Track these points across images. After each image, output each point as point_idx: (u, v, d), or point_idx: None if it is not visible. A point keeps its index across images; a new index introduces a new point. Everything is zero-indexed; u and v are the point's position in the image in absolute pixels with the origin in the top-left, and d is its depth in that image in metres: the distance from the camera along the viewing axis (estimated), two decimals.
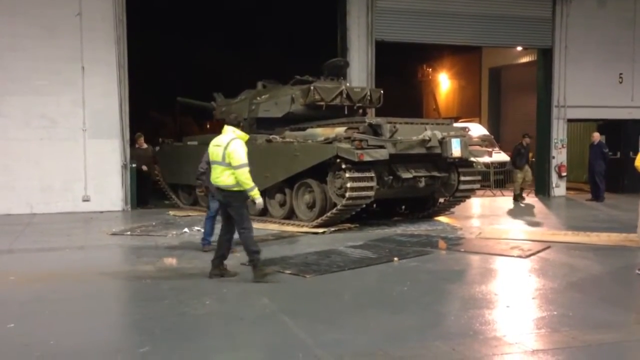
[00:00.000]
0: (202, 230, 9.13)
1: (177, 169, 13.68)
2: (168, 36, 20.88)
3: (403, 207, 12.69)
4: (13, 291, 6.75)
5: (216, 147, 7.01)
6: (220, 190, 7.02)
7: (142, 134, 14.99)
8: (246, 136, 7.16)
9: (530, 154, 16.53)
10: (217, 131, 17.84)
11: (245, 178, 6.81)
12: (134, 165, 14.02)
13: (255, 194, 6.92)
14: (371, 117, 11.60)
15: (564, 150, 16.98)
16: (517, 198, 15.41)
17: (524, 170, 15.40)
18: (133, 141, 14.49)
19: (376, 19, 15.09)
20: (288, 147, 11.04)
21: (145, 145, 14.93)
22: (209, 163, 8.18)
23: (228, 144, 6.86)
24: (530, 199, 16.12)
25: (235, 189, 6.88)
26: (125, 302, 6.71)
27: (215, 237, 8.26)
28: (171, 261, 8.17)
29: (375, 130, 10.37)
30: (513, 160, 15.85)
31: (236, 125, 7.18)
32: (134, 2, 14.03)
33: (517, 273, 7.51)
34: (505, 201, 15.59)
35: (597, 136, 15.95)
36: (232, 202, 6.96)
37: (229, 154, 6.81)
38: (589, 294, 6.48)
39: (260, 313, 5.75)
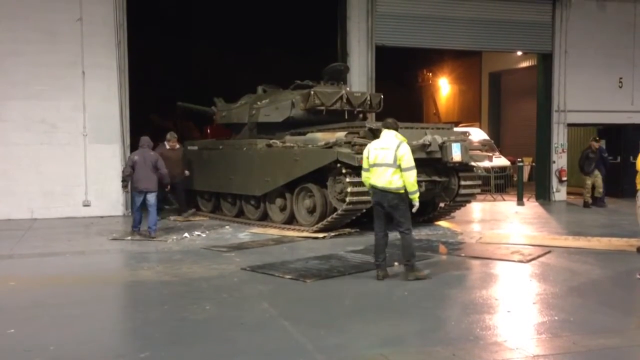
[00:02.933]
0: (133, 221, 10.72)
1: None
2: (169, 40, 20.92)
3: None
4: (13, 296, 6.75)
5: (383, 150, 7.15)
6: (385, 192, 7.09)
7: (176, 135, 13.12)
8: (405, 139, 7.35)
9: (606, 155, 15.67)
10: (218, 136, 17.72)
11: (414, 180, 7.08)
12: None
13: (416, 197, 7.15)
14: (371, 122, 11.60)
15: (565, 155, 16.97)
16: (588, 205, 15.06)
17: (593, 176, 15.04)
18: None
19: (376, 24, 15.10)
20: (288, 152, 11.05)
21: (177, 146, 13.13)
22: (132, 167, 10.27)
23: (398, 147, 7.06)
24: (530, 203, 16.11)
25: (402, 191, 7.09)
26: (126, 307, 6.70)
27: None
28: (171, 266, 8.15)
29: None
30: (580, 166, 15.33)
31: (395, 129, 7.35)
32: (135, 6, 14.06)
33: (518, 278, 7.50)
34: (506, 206, 15.57)
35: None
36: (399, 204, 7.11)
37: (401, 157, 7.00)
38: (590, 299, 6.47)
39: (260, 318, 5.75)
